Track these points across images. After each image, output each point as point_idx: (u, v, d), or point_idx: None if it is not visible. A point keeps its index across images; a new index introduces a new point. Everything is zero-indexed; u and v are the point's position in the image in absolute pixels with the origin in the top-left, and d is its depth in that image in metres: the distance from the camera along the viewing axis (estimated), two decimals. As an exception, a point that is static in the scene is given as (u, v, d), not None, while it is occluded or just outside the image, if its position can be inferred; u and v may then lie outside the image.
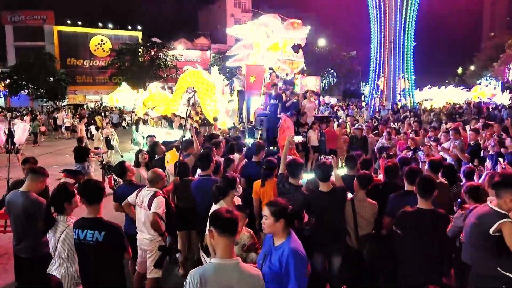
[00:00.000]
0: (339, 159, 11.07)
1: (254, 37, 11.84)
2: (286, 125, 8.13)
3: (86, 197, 3.40)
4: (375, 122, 15.51)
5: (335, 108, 23.62)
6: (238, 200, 4.38)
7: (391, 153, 8.89)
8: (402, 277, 3.85)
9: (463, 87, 36.33)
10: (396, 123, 15.26)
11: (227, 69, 27.95)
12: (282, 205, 2.99)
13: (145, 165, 6.21)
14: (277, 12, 12.08)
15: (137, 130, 16.23)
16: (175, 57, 48.02)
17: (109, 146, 14.99)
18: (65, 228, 3.46)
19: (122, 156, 15.00)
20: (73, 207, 3.62)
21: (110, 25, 54.29)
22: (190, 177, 5.45)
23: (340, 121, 15.39)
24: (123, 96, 31.73)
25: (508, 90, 36.89)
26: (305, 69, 12.41)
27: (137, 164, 6.03)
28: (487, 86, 37.12)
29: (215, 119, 12.41)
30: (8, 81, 40.15)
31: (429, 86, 35.30)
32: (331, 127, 10.56)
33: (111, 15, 55.58)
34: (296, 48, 11.32)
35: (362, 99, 47.52)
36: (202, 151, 5.85)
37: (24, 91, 41.05)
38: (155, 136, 8.83)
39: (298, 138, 5.08)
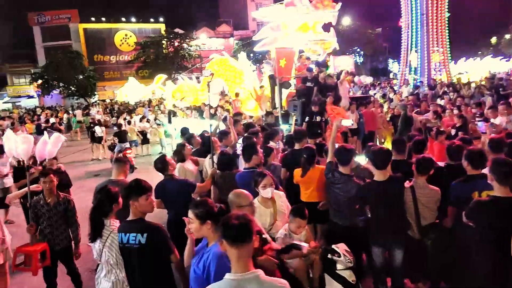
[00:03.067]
0: (378, 140, 10.62)
1: (282, 18, 11.36)
2: (335, 112, 7.70)
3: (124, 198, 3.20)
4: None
5: (366, 87, 22.78)
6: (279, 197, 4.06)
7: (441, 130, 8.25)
8: (471, 277, 3.45)
9: (502, 57, 34.38)
10: (434, 100, 14.50)
11: (251, 54, 27.53)
12: (207, 206, 2.73)
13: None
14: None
15: (169, 122, 16.16)
16: (199, 47, 47.91)
17: (145, 140, 15.09)
18: (109, 233, 3.26)
19: (164, 151, 14.95)
20: (116, 210, 3.43)
21: (133, 19, 54.59)
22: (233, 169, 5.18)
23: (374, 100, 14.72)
24: (130, 91, 32.18)
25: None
26: (338, 49, 11.85)
27: (182, 158, 5.77)
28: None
29: (237, 94, 12.24)
30: (40, 81, 41.18)
31: (464, 58, 33.60)
32: (369, 108, 10.07)
33: (133, 9, 55.77)
34: (327, 27, 10.78)
35: (391, 76, 45.99)
36: (245, 142, 5.57)
37: (56, 90, 42.05)
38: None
39: (348, 122, 4.64)
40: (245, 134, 6.57)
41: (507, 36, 52.16)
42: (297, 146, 5.65)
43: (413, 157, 4.78)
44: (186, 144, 5.93)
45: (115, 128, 15.73)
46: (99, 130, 14.95)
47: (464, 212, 3.45)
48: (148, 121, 16.44)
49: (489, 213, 3.27)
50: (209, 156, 5.67)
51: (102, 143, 15.03)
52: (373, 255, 4.05)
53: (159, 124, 15.65)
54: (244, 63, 13.44)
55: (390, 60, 61.21)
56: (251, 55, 27.43)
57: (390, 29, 58.56)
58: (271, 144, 6.39)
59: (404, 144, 4.86)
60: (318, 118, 8.24)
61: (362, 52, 55.95)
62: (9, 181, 7.61)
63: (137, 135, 15.21)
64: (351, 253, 3.51)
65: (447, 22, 23.57)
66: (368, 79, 23.88)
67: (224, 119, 7.89)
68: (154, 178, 4.69)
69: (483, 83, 20.92)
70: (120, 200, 3.42)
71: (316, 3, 10.46)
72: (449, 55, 24.26)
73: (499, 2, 60.78)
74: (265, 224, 3.80)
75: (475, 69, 30.82)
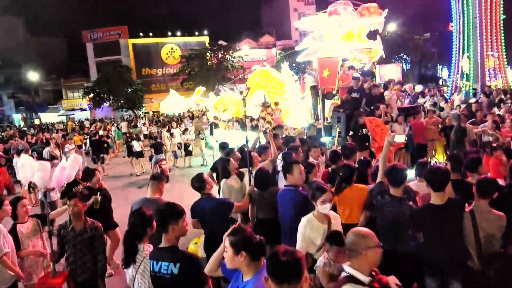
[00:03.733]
0: (430, 153, 9.97)
1: (325, 28, 11.07)
2: (373, 125, 7.29)
3: (162, 223, 3.03)
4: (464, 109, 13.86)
5: (415, 95, 21.73)
6: (334, 217, 3.77)
7: (497, 144, 7.60)
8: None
9: None
10: (490, 108, 13.50)
11: (293, 65, 27.23)
12: (244, 235, 2.46)
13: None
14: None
15: (211, 134, 16.26)
16: (241, 58, 48.45)
17: (187, 153, 15.21)
18: (143, 259, 3.13)
19: (205, 163, 15.04)
20: (150, 234, 3.30)
21: (178, 33, 56.29)
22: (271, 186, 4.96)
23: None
24: (172, 103, 32.88)
25: None
26: (384, 57, 11.36)
27: (227, 174, 5.57)
28: None
29: (276, 103, 12.05)
30: (92, 94, 43.31)
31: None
32: (418, 119, 9.49)
33: (179, 23, 57.58)
34: (373, 34, 10.36)
35: (441, 83, 43.93)
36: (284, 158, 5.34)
37: (106, 103, 44.01)
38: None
39: (401, 139, 4.28)
40: (285, 150, 6.33)
41: None
42: (333, 166, 5.35)
43: (468, 176, 4.34)
44: (231, 159, 5.78)
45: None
46: (137, 145, 14.75)
47: None
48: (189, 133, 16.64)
49: None
50: (247, 172, 5.48)
51: (142, 158, 14.83)
52: (427, 286, 3.65)
53: (200, 136, 15.73)
54: (286, 74, 13.24)
55: (439, 66, 58.69)
56: (293, 65, 27.15)
57: (438, 34, 56.28)
58: (311, 159, 6.10)
59: (461, 161, 4.42)
60: (365, 131, 7.85)
61: (409, 59, 54.02)
62: (55, 195, 7.66)
63: (178, 147, 15.39)
64: (402, 286, 3.16)
65: (502, 24, 22.12)
66: (418, 87, 22.77)
67: (264, 132, 7.70)
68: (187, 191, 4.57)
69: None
70: (154, 223, 3.28)
71: (362, 10, 10.10)
72: (505, 59, 22.70)
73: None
74: (315, 241, 3.56)
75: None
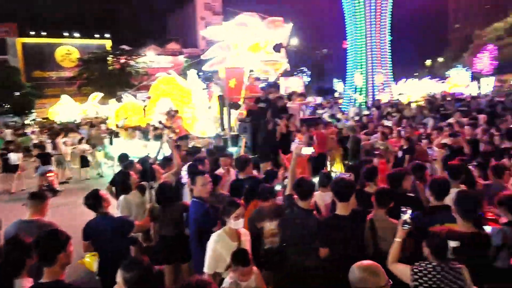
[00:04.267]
0: (329, 162, 10.51)
1: (232, 38, 11.11)
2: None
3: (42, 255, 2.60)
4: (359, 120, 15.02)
5: (314, 107, 23.02)
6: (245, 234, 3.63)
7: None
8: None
9: (438, 79, 36.70)
10: (379, 120, 14.82)
11: (200, 74, 27.01)
12: (142, 269, 2.35)
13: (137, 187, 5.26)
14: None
15: (111, 143, 15.20)
16: (146, 64, 46.76)
17: (85, 163, 13.93)
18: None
19: (101, 175, 13.98)
20: (29, 265, 2.80)
21: (77, 34, 52.46)
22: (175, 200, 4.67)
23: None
24: (64, 109, 30.66)
25: (476, 81, 37.69)
26: (288, 69, 11.76)
27: (126, 189, 5.10)
28: (465, 78, 37.51)
29: (176, 111, 11.84)
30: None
31: (405, 79, 35.42)
32: (319, 129, 9.94)
33: (77, 24, 53.72)
34: (278, 47, 10.65)
35: (336, 96, 47.53)
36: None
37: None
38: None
39: (308, 151, 4.30)
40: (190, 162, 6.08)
41: (440, 60, 55.99)
42: (240, 175, 5.25)
43: (366, 186, 4.57)
44: (131, 172, 5.33)
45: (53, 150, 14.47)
46: (14, 158, 12.66)
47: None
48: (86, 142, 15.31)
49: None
50: (149, 186, 5.12)
51: (17, 173, 12.64)
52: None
53: (98, 148, 14.58)
54: (193, 82, 12.99)
55: (335, 80, 63.57)
56: (200, 73, 26.98)
57: (334, 50, 61.03)
58: (220, 170, 5.94)
59: (359, 172, 4.63)
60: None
61: (308, 73, 57.53)
62: None
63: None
64: None
65: (389, 45, 24.68)
66: (318, 99, 24.25)
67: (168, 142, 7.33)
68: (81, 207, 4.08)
69: (421, 103, 21.99)
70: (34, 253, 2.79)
71: (268, 23, 10.33)
72: (391, 76, 25.35)
73: (433, 28, 65.57)
74: (225, 259, 3.36)
75: (414, 90, 32.57)
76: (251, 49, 11.09)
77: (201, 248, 3.86)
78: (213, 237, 3.46)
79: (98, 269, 3.90)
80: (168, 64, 51.43)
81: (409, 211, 3.16)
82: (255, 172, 5.47)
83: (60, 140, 14.38)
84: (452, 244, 2.69)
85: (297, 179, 3.89)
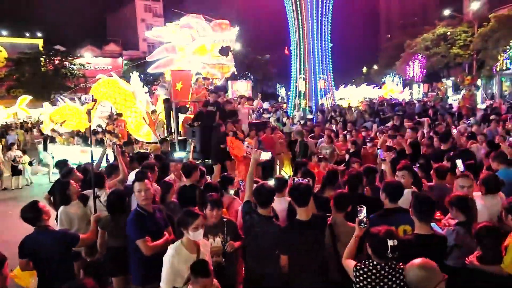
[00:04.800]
0: (278, 166, 10.55)
1: (178, 40, 10.80)
2: (234, 145, 7.23)
3: None
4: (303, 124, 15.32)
5: (259, 111, 23.19)
6: (204, 245, 3.43)
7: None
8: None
9: (375, 85, 38.64)
10: (324, 124, 15.22)
11: (141, 76, 26.12)
12: None
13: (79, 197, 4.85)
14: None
15: (45, 150, 14.11)
16: (83, 66, 44.37)
17: (16, 171, 12.75)
18: None
19: (31, 183, 12.96)
20: None
21: (4, 32, 48.52)
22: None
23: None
24: None
25: (408, 87, 40.27)
26: (235, 73, 11.67)
27: (66, 200, 4.66)
28: (397, 84, 39.83)
29: (119, 114, 11.33)
30: None
31: (344, 85, 36.93)
32: (268, 134, 9.94)
33: (5, 22, 49.68)
34: (225, 51, 10.52)
35: (279, 100, 48.44)
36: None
37: None
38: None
39: (266, 156, 4.19)
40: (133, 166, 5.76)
41: (375, 67, 59.06)
42: (187, 182, 5.02)
43: (326, 191, 4.57)
44: (71, 181, 4.89)
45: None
46: None
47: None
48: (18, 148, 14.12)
49: (413, 251, 3.10)
50: (92, 196, 4.72)
51: None
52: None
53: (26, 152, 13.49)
54: (136, 84, 12.42)
55: (278, 85, 64.70)
56: (142, 76, 26.04)
57: (277, 56, 62.12)
58: (170, 176, 5.68)
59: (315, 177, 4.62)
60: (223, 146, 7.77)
61: (252, 77, 57.97)
62: None
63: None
64: None
65: (329, 51, 25.56)
66: (265, 104, 24.42)
67: (112, 148, 6.90)
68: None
69: (360, 107, 23.00)
70: None
71: (214, 26, 10.17)
72: (333, 81, 26.26)
73: (368, 37, 69.27)
74: (183, 273, 3.13)
75: (353, 95, 34.09)
76: (197, 52, 10.86)
77: (133, 260, 3.75)
78: (170, 251, 3.23)
79: (37, 289, 3.51)
80: (107, 66, 49.30)
81: (364, 210, 3.24)
82: (208, 178, 5.26)
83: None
84: (390, 243, 2.75)
85: (256, 185, 3.78)
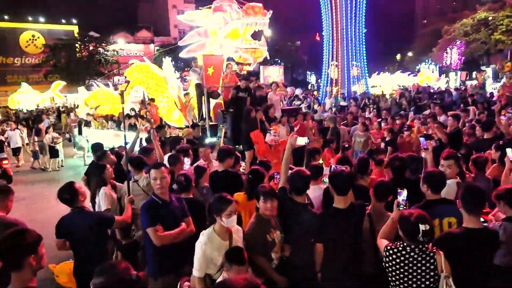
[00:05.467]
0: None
1: (210, 24, 10.68)
2: (258, 140, 7.08)
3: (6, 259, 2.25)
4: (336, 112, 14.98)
5: (290, 98, 22.88)
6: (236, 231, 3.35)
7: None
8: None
9: (410, 72, 37.37)
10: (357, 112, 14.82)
11: (172, 62, 26.31)
12: (115, 274, 2.00)
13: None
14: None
15: (80, 133, 14.48)
16: (116, 52, 45.22)
17: (54, 154, 13.16)
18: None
19: (62, 166, 13.35)
20: None
21: (42, 19, 49.94)
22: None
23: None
24: (24, 98, 29.40)
25: (444, 74, 38.68)
26: (268, 58, 11.47)
27: (101, 181, 4.70)
28: (433, 72, 38.35)
29: (152, 100, 11.37)
30: None
31: (377, 72, 35.88)
32: (300, 120, 9.75)
33: (42, 9, 51.14)
34: (257, 35, 10.33)
35: (309, 88, 47.77)
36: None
37: None
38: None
39: (302, 141, 4.02)
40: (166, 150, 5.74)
41: (410, 54, 57.12)
42: (220, 167, 4.93)
43: (358, 179, 4.38)
44: (108, 165, 4.93)
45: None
46: None
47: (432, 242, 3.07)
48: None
49: (461, 245, 2.90)
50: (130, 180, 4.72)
51: None
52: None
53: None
54: (168, 70, 12.45)
55: (308, 72, 63.83)
56: (173, 62, 26.27)
57: (308, 43, 61.15)
58: (200, 161, 5.63)
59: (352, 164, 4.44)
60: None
61: (282, 64, 57.43)
62: None
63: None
64: None
65: (364, 38, 24.81)
66: (297, 90, 24.06)
67: (148, 132, 6.93)
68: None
69: (393, 95, 22.29)
70: None
71: (247, 9, 9.97)
72: (366, 69, 25.55)
73: (402, 23, 66.91)
74: (216, 261, 3.08)
75: (387, 83, 33.07)
76: (229, 36, 10.72)
77: (148, 250, 3.59)
78: (202, 238, 3.15)
79: (74, 272, 3.55)
80: (139, 52, 50.01)
81: (404, 192, 3.20)
82: (242, 164, 5.16)
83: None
84: (422, 227, 2.72)
85: (291, 172, 3.64)
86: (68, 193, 3.68)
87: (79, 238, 3.63)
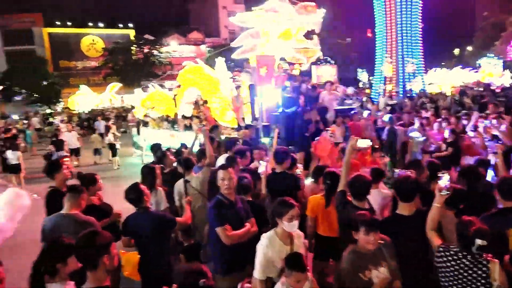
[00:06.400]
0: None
1: (262, 24, 10.70)
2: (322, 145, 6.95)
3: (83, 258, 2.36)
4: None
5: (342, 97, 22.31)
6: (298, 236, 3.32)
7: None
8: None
9: (471, 68, 35.21)
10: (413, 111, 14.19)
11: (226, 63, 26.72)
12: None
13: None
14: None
15: (138, 133, 15.13)
16: (169, 54, 46.78)
17: (114, 153, 13.88)
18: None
19: (118, 166, 13.94)
20: (68, 270, 2.56)
21: (101, 24, 52.85)
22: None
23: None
24: (83, 99, 30.95)
25: (508, 69, 35.99)
26: (321, 58, 11.31)
27: (153, 184, 4.80)
28: (495, 65, 35.81)
29: (206, 102, 11.55)
30: (1, 87, 38.85)
31: (434, 68, 34.15)
32: (355, 120, 9.50)
33: (101, 14, 54.06)
34: (310, 34, 10.20)
35: (361, 86, 46.43)
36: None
37: (18, 97, 39.82)
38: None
39: (364, 143, 3.90)
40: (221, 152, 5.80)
41: (469, 48, 53.92)
42: (278, 169, 4.89)
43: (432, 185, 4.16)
44: (156, 166, 5.08)
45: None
46: (12, 156, 10.86)
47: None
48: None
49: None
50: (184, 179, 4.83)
51: (21, 174, 10.98)
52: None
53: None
54: (221, 70, 12.64)
55: (359, 70, 62.11)
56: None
57: (358, 39, 59.52)
58: (255, 163, 5.63)
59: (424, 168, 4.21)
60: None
61: (333, 62, 56.41)
62: None
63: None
64: None
65: (419, 33, 23.68)
66: (349, 89, 23.49)
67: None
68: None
69: (453, 93, 21.07)
70: (72, 259, 2.53)
71: (299, 9, 9.88)
72: (422, 65, 24.38)
73: (460, 15, 63.27)
74: (277, 264, 3.07)
75: (445, 80, 31.32)
76: (282, 36, 10.68)
77: (214, 250, 3.69)
78: (264, 240, 3.16)
79: (138, 267, 3.69)
80: (191, 54, 51.32)
81: (446, 176, 3.04)
82: (299, 166, 5.10)
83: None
84: (479, 242, 2.59)
85: (352, 176, 3.53)
86: (134, 194, 3.82)
87: (143, 237, 3.77)
